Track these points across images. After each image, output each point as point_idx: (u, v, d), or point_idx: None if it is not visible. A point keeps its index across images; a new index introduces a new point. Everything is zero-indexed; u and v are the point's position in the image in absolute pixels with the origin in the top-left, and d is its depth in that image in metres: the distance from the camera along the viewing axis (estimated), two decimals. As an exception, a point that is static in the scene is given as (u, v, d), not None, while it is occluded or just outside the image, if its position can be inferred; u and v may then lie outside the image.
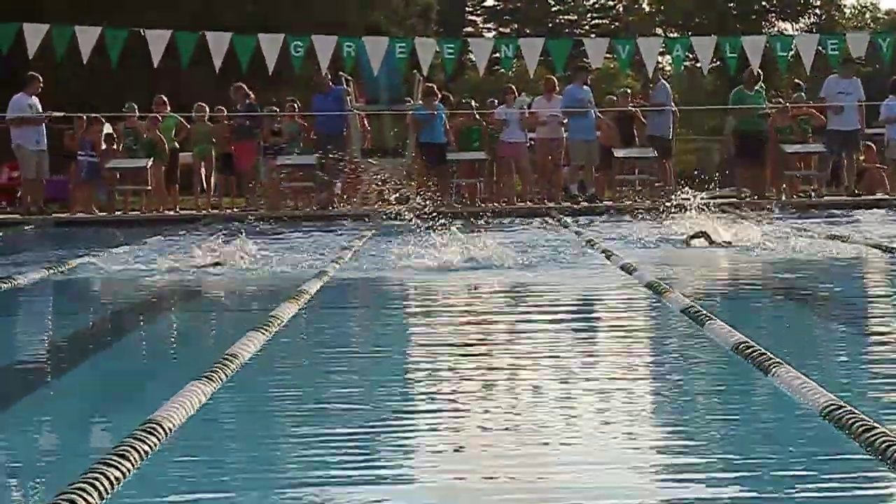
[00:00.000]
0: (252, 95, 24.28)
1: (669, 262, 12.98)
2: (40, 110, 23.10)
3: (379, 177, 23.27)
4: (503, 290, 11.20)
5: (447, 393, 6.69)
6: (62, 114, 23.89)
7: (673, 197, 17.12)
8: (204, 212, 23.27)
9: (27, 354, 8.68)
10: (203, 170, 24.46)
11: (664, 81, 26.26)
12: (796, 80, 26.38)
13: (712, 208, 16.40)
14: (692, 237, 15.00)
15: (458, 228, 13.80)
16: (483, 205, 22.73)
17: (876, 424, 5.14)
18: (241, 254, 13.41)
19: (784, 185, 24.73)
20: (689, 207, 16.36)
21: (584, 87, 24.86)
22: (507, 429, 5.85)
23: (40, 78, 23.17)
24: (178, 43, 23.78)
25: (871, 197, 23.81)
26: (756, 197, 23.62)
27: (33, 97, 23.10)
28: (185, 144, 24.88)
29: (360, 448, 5.52)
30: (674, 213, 16.49)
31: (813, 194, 24.60)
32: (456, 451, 5.49)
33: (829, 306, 10.31)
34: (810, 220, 19.02)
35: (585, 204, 23.39)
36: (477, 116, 24.72)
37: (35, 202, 23.09)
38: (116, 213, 23.49)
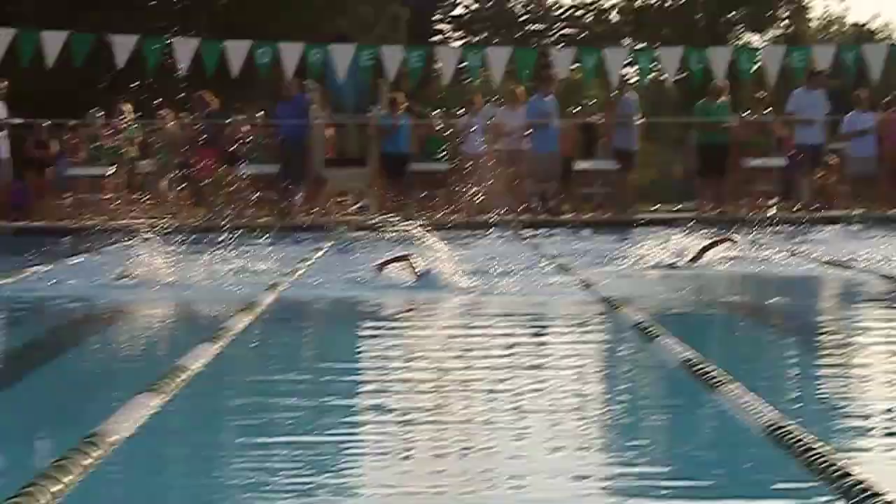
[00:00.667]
0: (212, 103, 24.20)
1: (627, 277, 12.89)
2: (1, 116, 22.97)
3: (340, 187, 23.26)
4: (457, 305, 11.16)
5: (395, 408, 6.69)
6: (20, 120, 23.75)
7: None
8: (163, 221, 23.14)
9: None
10: (164, 179, 24.36)
11: (630, 93, 26.28)
12: (759, 94, 26.46)
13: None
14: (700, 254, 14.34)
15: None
16: (441, 216, 22.68)
17: (814, 445, 5.15)
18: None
19: (744, 200, 24.80)
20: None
21: (548, 97, 24.90)
22: (455, 441, 5.85)
23: (-1, 82, 23.04)
24: (145, 48, 23.72)
25: (831, 213, 23.90)
26: (717, 211, 23.69)
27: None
28: (146, 152, 24.76)
29: (306, 458, 5.51)
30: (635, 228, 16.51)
31: (774, 209, 24.68)
32: (404, 459, 5.49)
33: (783, 324, 10.35)
34: (770, 236, 19.05)
35: (545, 216, 23.40)
36: (439, 126, 24.74)
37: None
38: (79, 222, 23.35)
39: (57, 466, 5.05)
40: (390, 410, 6.59)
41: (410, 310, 10.92)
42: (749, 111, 25.66)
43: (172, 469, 5.67)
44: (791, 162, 24.47)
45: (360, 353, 8.92)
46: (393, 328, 9.87)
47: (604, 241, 17.39)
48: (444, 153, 24.22)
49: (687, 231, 15.13)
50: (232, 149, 23.86)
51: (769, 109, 25.38)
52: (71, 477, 4.99)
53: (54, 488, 4.80)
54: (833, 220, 22.48)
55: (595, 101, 29.14)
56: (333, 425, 6.27)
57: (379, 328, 9.85)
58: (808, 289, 13.09)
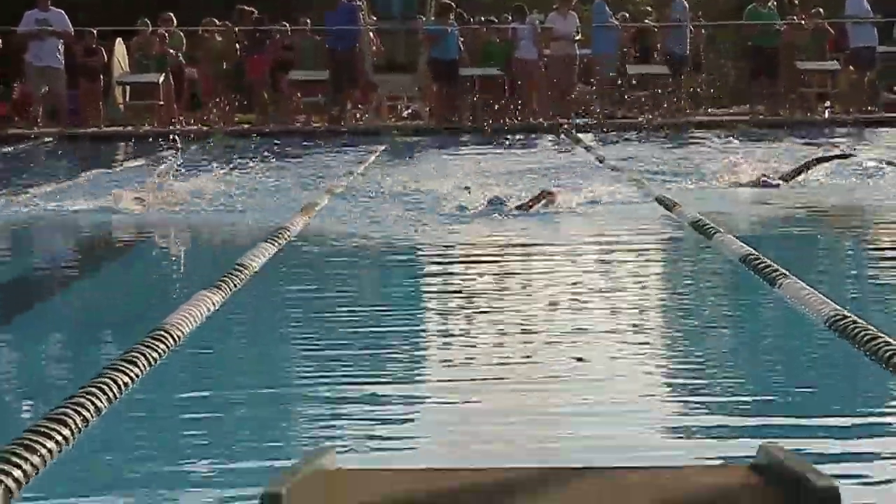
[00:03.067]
0: (256, 13, 24.18)
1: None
2: (51, 26, 22.96)
3: (391, 91, 23.17)
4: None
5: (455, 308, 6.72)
6: (71, 30, 23.72)
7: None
8: (214, 128, 23.17)
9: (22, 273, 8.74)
10: (212, 85, 24.32)
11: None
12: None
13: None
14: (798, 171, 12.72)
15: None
16: (494, 122, 22.57)
17: (880, 333, 5.13)
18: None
19: (798, 103, 24.57)
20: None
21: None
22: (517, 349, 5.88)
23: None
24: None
25: (888, 115, 23.60)
26: (770, 115, 23.51)
27: (45, 13, 22.95)
28: (192, 60, 24.73)
29: (370, 358, 5.57)
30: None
31: (827, 112, 24.46)
32: (467, 361, 5.53)
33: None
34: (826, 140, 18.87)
35: (600, 121, 23.26)
36: (489, 31, 24.60)
37: (40, 117, 22.98)
38: (128, 128, 23.41)
39: (126, 359, 5.12)
40: (455, 315, 6.62)
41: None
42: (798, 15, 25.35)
43: (233, 364, 5.72)
44: (853, 65, 24.16)
45: (421, 256, 8.88)
46: (453, 235, 9.69)
47: (671, 150, 17.19)
48: (496, 61, 24.05)
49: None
50: (282, 57, 23.80)
51: (814, 10, 25.06)
52: (138, 369, 5.05)
53: (123, 380, 4.87)
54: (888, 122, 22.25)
55: (648, 6, 28.82)
56: (393, 322, 6.31)
57: (439, 232, 9.75)
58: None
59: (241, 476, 4.00)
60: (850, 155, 12.66)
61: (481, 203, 10.48)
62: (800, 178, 12.39)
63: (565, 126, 21.82)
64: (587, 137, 19.64)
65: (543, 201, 10.43)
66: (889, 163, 13.66)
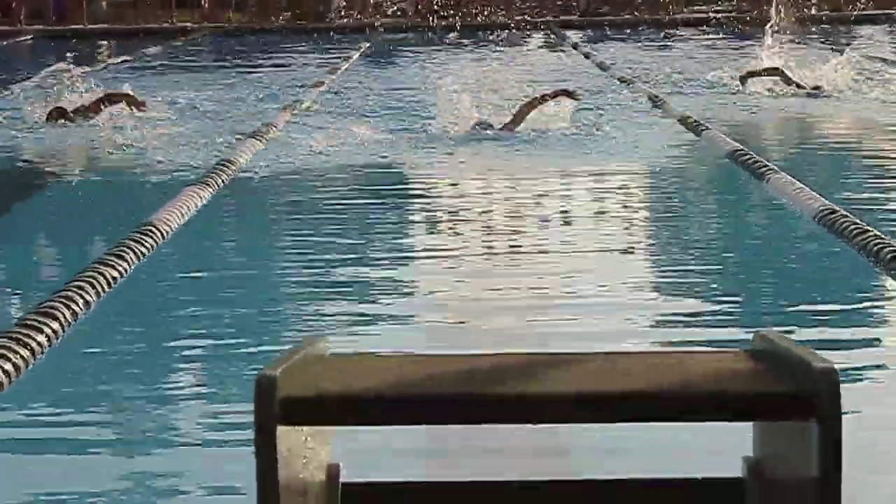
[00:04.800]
0: None
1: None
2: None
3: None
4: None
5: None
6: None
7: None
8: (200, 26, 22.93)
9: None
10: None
11: None
12: None
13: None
14: (753, 73, 11.63)
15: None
16: (478, 18, 22.35)
17: (869, 227, 5.13)
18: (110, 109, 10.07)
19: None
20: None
21: None
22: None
23: None
24: None
25: (878, 11, 23.35)
26: (755, 12, 23.31)
27: None
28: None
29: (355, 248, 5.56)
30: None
31: (814, 9, 24.20)
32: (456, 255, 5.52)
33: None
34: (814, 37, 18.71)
35: (583, 18, 23.06)
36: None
37: (23, 14, 22.72)
38: (114, 25, 23.11)
39: (114, 254, 5.10)
40: (446, 213, 6.61)
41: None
42: None
43: (219, 257, 5.71)
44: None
45: (412, 164, 8.70)
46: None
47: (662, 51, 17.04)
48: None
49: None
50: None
51: None
52: (125, 264, 5.04)
53: (112, 274, 4.86)
54: (876, 19, 22.06)
55: None
56: (381, 213, 6.30)
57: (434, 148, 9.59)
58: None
59: (232, 361, 4.03)
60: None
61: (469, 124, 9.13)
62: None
63: (551, 23, 21.62)
64: (572, 35, 19.42)
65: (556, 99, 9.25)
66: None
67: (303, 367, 2.07)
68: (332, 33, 20.42)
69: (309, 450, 2.11)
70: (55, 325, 4.16)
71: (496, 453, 3.07)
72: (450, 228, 6.12)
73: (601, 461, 3.11)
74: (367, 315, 4.54)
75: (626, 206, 6.56)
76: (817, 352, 1.94)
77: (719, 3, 25.07)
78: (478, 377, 2.14)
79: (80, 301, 4.47)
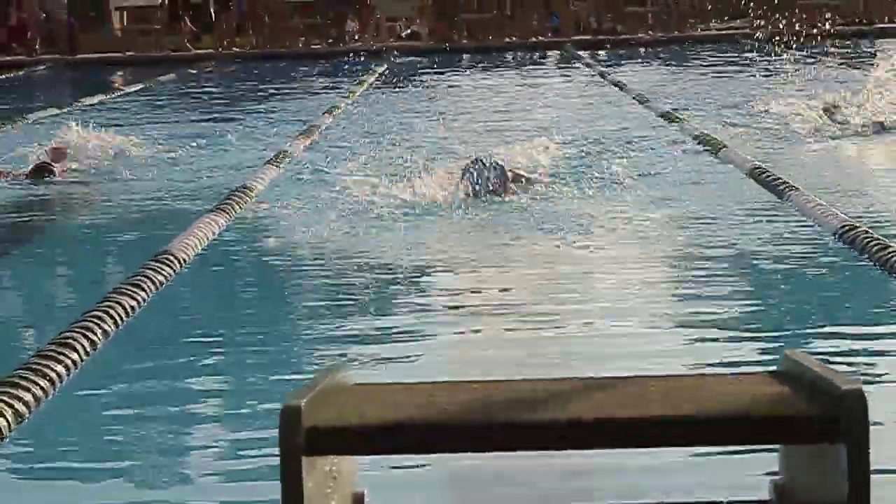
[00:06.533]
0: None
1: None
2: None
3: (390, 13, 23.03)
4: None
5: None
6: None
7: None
8: (208, 51, 22.93)
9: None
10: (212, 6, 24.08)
11: None
12: None
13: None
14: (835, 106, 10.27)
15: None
16: (494, 38, 22.37)
17: (891, 243, 5.11)
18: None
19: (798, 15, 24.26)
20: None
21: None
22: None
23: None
24: None
25: (889, 24, 23.33)
26: (769, 28, 23.28)
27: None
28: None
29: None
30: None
31: (827, 24, 24.14)
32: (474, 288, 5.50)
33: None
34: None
35: (600, 37, 23.04)
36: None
37: (38, 44, 22.78)
38: (128, 53, 23.18)
39: (131, 283, 5.10)
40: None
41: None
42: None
43: (238, 284, 5.70)
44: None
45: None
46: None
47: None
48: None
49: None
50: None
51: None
52: (144, 293, 5.04)
53: (129, 303, 4.86)
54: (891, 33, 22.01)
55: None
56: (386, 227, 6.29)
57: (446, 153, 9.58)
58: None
59: (253, 394, 4.01)
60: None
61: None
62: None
63: (566, 43, 21.60)
64: (587, 55, 19.39)
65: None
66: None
67: (327, 396, 2.06)
68: (346, 57, 20.46)
69: (334, 479, 2.11)
70: (74, 356, 4.16)
71: (520, 478, 3.06)
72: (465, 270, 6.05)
73: (627, 482, 3.09)
74: (391, 342, 4.52)
75: (647, 220, 6.51)
76: (844, 373, 1.93)
77: (733, 19, 25.03)
78: (500, 404, 2.13)
79: (99, 331, 4.47)
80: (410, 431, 2.00)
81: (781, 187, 6.70)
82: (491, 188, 7.10)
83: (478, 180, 7.08)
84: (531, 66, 18.38)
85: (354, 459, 2.21)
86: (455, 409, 2.10)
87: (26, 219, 7.53)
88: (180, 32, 23.65)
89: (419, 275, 5.64)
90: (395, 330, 4.67)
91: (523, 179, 7.48)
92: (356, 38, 23.44)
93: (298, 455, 1.92)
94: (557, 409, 2.09)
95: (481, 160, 7.31)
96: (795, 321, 4.66)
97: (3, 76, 19.75)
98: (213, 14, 23.84)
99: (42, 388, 3.87)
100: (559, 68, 18.35)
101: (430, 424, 2.02)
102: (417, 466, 2.87)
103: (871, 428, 1.77)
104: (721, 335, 4.47)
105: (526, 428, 2.03)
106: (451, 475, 3.10)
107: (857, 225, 5.54)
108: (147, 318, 4.82)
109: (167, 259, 5.50)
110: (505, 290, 5.28)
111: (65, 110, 13.17)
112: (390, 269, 5.65)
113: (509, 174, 7.33)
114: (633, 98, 12.29)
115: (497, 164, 7.29)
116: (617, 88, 13.55)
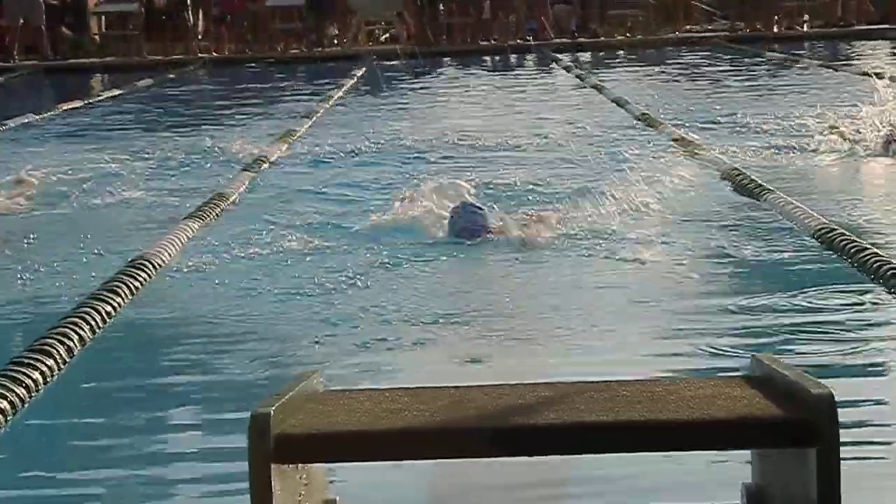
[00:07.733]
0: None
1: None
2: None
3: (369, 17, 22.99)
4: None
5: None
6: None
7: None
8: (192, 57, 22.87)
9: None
10: (191, 13, 23.99)
11: None
12: None
13: None
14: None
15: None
16: (472, 41, 22.34)
17: (867, 245, 5.12)
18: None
19: (776, 17, 24.22)
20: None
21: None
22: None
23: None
24: None
25: (867, 27, 23.30)
26: (749, 30, 23.30)
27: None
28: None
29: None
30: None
31: (805, 25, 24.16)
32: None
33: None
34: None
35: (578, 39, 22.99)
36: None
37: (17, 50, 22.64)
38: (107, 59, 23.06)
39: (108, 288, 5.09)
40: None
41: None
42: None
43: (217, 289, 5.67)
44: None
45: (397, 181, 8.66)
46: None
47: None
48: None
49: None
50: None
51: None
52: (119, 299, 5.03)
53: (106, 309, 4.84)
54: (866, 35, 21.96)
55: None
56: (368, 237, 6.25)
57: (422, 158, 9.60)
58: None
59: (226, 400, 3.99)
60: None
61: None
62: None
63: (543, 46, 21.56)
64: (566, 58, 19.36)
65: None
66: None
67: (297, 403, 2.06)
68: (325, 62, 20.45)
69: (305, 486, 2.10)
70: (50, 362, 4.15)
71: (495, 488, 3.05)
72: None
73: (600, 490, 3.08)
74: (365, 349, 4.49)
75: (622, 225, 6.48)
76: (814, 377, 1.93)
77: (713, 21, 25.02)
78: (475, 410, 2.12)
79: (75, 337, 4.45)
80: (380, 438, 2.00)
81: (757, 190, 6.71)
82: (476, 234, 6.47)
83: (462, 227, 6.50)
84: (510, 70, 18.37)
85: (326, 466, 2.21)
86: (425, 416, 2.09)
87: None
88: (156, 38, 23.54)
89: (390, 284, 5.61)
90: (367, 338, 4.64)
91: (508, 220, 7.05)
92: (335, 42, 23.40)
93: (267, 462, 1.91)
94: (529, 415, 2.09)
95: (466, 205, 6.72)
96: (771, 323, 4.65)
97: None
98: (190, 18, 23.73)
99: (18, 395, 3.86)
100: (539, 71, 18.34)
101: (400, 431, 2.02)
102: (391, 472, 2.85)
103: (842, 431, 1.77)
104: (695, 339, 4.46)
105: (497, 434, 2.03)
106: (425, 481, 3.09)
107: (835, 227, 5.56)
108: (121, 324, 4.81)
109: (143, 265, 5.49)
110: (475, 295, 5.28)
111: (43, 115, 13.12)
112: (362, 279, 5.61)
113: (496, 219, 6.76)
114: (612, 101, 12.29)
115: (479, 208, 6.69)
116: (595, 91, 13.56)
